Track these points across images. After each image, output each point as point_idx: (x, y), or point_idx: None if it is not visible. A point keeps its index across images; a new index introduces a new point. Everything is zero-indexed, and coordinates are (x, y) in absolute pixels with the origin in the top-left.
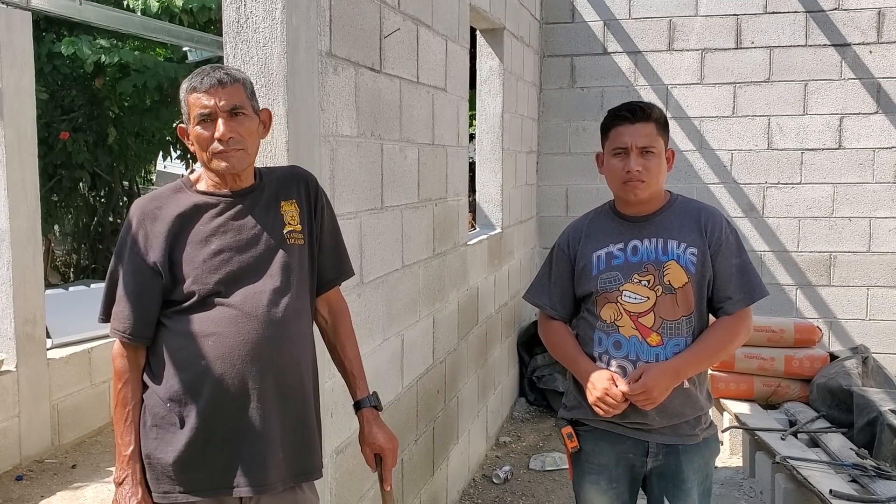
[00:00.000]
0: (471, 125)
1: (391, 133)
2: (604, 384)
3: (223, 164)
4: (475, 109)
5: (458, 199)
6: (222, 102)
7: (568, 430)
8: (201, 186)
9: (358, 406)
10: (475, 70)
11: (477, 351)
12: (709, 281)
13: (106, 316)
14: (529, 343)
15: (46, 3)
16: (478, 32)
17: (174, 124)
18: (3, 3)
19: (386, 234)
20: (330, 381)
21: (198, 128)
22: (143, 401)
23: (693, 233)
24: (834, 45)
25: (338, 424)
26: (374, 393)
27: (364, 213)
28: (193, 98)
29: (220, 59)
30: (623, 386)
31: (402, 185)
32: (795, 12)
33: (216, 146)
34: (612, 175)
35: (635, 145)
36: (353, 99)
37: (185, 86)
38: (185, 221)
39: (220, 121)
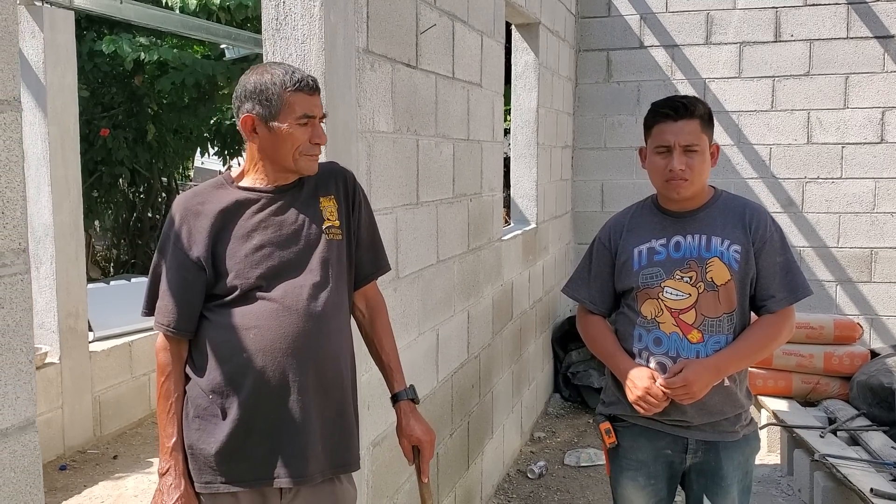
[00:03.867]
0: (506, 120)
1: (427, 129)
2: (644, 383)
3: (314, 165)
4: (510, 104)
5: (492, 195)
6: (317, 108)
7: (606, 425)
8: (243, 182)
9: (395, 399)
10: (510, 65)
11: (511, 346)
12: (752, 279)
13: (149, 310)
14: (564, 339)
15: (88, 2)
16: (513, 27)
17: (212, 121)
18: (47, 2)
19: (421, 229)
20: (366, 374)
21: (297, 126)
22: (185, 393)
23: (737, 230)
24: (876, 38)
25: (374, 417)
26: (412, 386)
27: (400, 209)
28: (299, 97)
29: (257, 57)
30: (661, 378)
31: (437, 180)
32: (836, 4)
33: (311, 148)
34: (654, 173)
35: (678, 143)
36: (389, 95)
37: (280, 80)
38: (228, 217)
39: (322, 126)
